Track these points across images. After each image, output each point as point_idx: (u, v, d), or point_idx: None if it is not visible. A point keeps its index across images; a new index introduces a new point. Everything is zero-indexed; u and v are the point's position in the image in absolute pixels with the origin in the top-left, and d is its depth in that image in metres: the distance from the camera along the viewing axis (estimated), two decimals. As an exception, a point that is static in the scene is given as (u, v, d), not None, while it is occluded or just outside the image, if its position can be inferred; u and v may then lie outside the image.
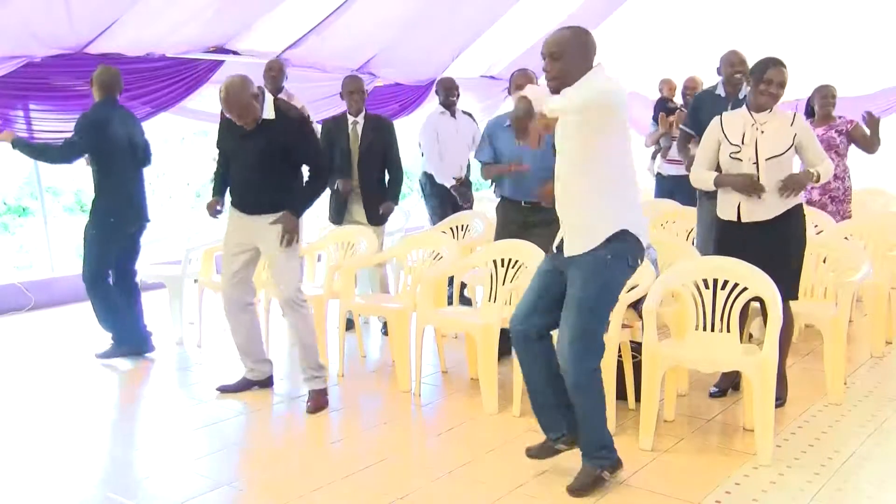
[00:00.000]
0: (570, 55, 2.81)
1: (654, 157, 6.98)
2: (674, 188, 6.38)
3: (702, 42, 8.62)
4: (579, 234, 2.89)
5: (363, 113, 5.24)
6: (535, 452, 3.15)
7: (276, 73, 5.55)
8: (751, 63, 3.85)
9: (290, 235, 3.85)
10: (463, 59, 8.34)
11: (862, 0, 8.23)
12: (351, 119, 5.23)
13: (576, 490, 2.96)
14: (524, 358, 3.07)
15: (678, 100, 7.08)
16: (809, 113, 5.56)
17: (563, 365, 2.89)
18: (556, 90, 2.81)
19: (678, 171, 6.26)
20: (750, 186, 3.64)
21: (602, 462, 2.99)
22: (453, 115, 5.94)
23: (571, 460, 3.27)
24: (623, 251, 2.89)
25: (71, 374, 4.66)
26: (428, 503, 2.97)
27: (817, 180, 3.69)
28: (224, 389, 4.19)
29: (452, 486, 3.09)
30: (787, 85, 3.63)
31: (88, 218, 4.73)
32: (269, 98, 3.83)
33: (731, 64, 4.63)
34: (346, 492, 3.07)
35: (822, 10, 8.33)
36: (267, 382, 4.24)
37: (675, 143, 6.23)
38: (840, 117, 5.65)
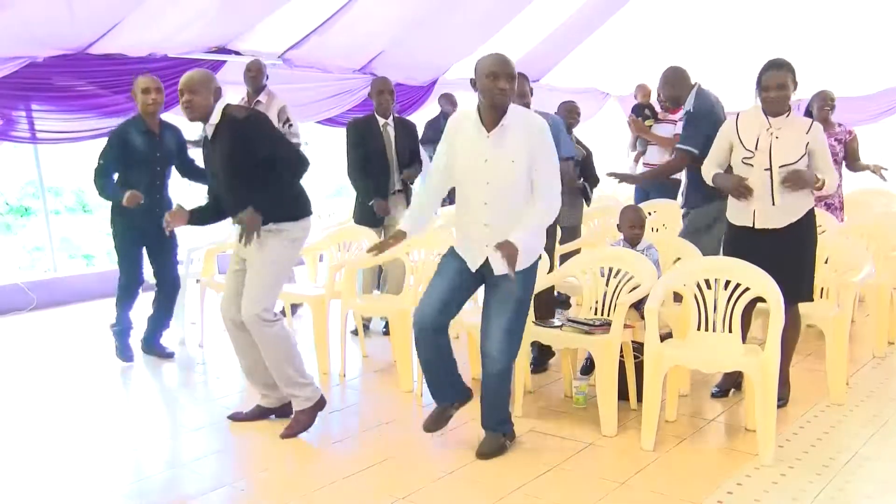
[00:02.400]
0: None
1: (636, 161, 7.02)
2: (649, 189, 6.41)
3: (702, 43, 8.65)
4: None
5: (392, 115, 5.25)
6: (433, 424, 3.44)
7: (254, 73, 5.51)
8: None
9: (248, 232, 3.41)
10: (464, 59, 8.35)
11: (862, 0, 8.22)
12: (381, 121, 5.21)
13: (486, 454, 3.33)
14: (431, 347, 3.35)
15: (655, 104, 7.08)
16: (808, 117, 5.55)
17: (491, 355, 3.26)
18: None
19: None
20: (737, 188, 3.63)
21: (504, 430, 3.41)
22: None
23: (572, 462, 3.28)
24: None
25: (72, 374, 4.66)
26: (429, 503, 2.97)
27: (821, 187, 3.63)
28: (235, 418, 3.82)
29: (454, 487, 3.09)
30: (789, 83, 3.58)
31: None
32: (217, 105, 3.49)
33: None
34: (348, 492, 3.07)
35: (822, 10, 8.33)
36: (284, 411, 3.75)
37: (649, 146, 6.31)
38: (840, 126, 5.67)
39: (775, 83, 3.57)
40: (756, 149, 3.63)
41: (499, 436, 3.40)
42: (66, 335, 5.65)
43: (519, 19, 7.95)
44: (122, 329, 4.83)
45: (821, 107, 5.59)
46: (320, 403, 3.68)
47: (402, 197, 5.28)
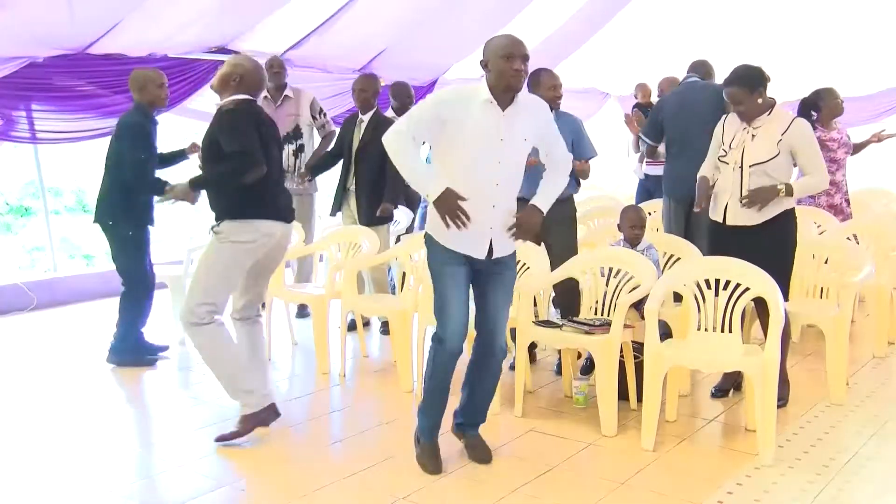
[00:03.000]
0: None
1: (641, 161, 7.02)
2: (652, 188, 6.44)
3: (702, 43, 8.63)
4: (509, 237, 3.14)
5: (372, 112, 5.27)
6: (437, 464, 3.21)
7: (277, 69, 5.67)
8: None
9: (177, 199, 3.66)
10: (464, 59, 8.35)
11: (862, 0, 8.22)
12: (359, 117, 5.31)
13: (489, 457, 3.27)
14: (451, 368, 3.17)
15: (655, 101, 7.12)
16: (804, 114, 5.50)
17: (499, 350, 3.19)
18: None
19: (654, 170, 6.33)
20: (700, 192, 3.78)
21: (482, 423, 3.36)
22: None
23: (572, 462, 3.28)
24: None
25: (73, 375, 4.66)
26: (429, 503, 2.97)
27: (789, 194, 3.62)
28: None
29: (454, 487, 3.09)
30: (743, 97, 3.58)
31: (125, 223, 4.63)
32: (232, 97, 3.48)
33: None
34: (348, 492, 3.07)
35: (822, 10, 8.33)
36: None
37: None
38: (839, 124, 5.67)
39: (734, 100, 3.64)
40: (731, 147, 3.68)
41: (479, 434, 3.35)
42: (66, 335, 5.65)
43: (519, 19, 7.95)
44: (132, 341, 4.75)
45: (837, 104, 5.49)
46: (262, 415, 3.53)
47: (353, 195, 5.31)
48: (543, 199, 3.16)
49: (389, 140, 3.03)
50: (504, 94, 3.00)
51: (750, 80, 3.60)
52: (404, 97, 5.72)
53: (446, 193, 2.94)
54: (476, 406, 3.32)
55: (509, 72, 2.94)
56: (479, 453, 3.29)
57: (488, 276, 3.15)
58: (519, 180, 3.14)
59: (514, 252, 3.25)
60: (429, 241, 3.15)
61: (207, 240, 3.56)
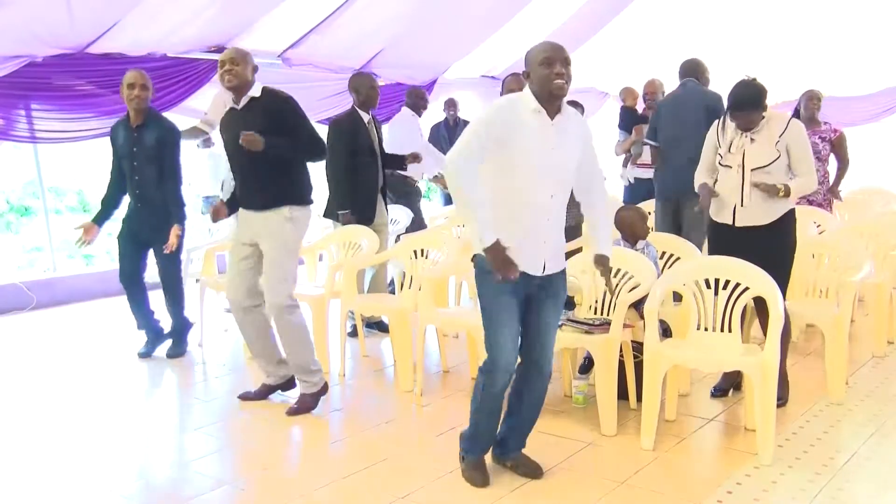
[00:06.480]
0: None
1: (625, 165, 7.05)
2: (645, 192, 6.45)
3: (702, 44, 8.63)
4: (560, 252, 3.04)
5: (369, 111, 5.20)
6: (485, 478, 3.09)
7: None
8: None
9: (250, 142, 3.56)
10: (464, 58, 8.35)
11: (862, 0, 8.23)
12: (366, 117, 5.12)
13: (540, 471, 3.14)
14: (502, 398, 3.04)
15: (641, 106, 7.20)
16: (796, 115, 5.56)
17: (547, 371, 3.06)
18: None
19: (644, 174, 6.37)
20: (704, 198, 3.77)
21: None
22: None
23: (572, 461, 3.28)
24: None
25: (71, 375, 4.66)
26: (429, 503, 2.97)
27: (785, 195, 3.62)
28: (245, 397, 4.08)
29: (454, 487, 3.09)
30: (756, 117, 3.58)
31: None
32: (257, 83, 3.72)
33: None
34: (348, 491, 3.07)
35: (822, 9, 8.33)
36: (288, 385, 4.06)
37: (645, 149, 6.42)
38: (826, 124, 5.72)
39: (745, 124, 3.62)
40: (730, 151, 3.69)
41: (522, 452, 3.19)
42: (65, 335, 5.65)
43: (518, 19, 7.96)
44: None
45: (806, 105, 5.74)
46: (324, 388, 3.96)
47: (383, 195, 5.25)
48: (607, 242, 3.13)
49: (455, 176, 2.78)
50: (550, 102, 2.83)
51: (761, 101, 3.58)
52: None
53: (497, 245, 2.77)
54: (522, 432, 3.17)
55: (551, 77, 2.77)
56: (530, 468, 3.14)
57: (539, 295, 2.97)
58: (569, 191, 2.98)
59: (564, 269, 3.05)
60: (482, 267, 2.91)
61: (275, 228, 3.74)
